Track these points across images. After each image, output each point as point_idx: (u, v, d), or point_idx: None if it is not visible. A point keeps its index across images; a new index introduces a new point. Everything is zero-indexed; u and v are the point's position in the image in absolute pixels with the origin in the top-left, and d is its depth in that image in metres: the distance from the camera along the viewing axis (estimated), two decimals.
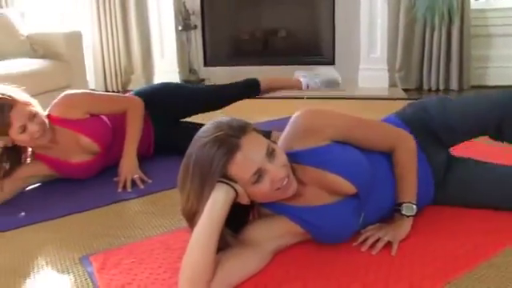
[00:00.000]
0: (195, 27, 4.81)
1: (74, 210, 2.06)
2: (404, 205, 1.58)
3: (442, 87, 4.38)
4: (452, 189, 1.74)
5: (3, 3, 4.82)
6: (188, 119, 2.75)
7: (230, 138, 1.31)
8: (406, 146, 1.63)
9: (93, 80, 5.10)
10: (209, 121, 1.42)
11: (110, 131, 2.37)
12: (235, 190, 1.34)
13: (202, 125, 2.60)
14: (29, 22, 4.63)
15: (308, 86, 3.23)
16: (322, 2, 4.70)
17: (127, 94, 2.64)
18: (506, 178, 1.71)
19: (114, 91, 4.97)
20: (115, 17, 4.95)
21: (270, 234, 1.49)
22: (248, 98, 2.98)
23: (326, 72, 3.35)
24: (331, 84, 3.33)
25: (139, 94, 2.57)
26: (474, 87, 4.38)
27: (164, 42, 4.91)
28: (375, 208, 1.59)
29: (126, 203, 2.12)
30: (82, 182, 2.34)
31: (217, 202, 1.32)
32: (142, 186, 2.24)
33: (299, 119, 1.55)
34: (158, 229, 1.83)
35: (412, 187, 1.60)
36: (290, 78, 3.28)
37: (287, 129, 1.57)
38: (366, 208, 1.56)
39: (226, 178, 1.34)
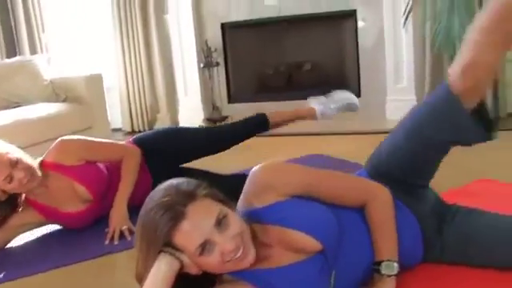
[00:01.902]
0: (217, 64, 4.76)
1: (57, 264, 1.99)
2: (383, 263, 1.41)
3: None
4: (451, 243, 1.55)
5: (38, 49, 4.99)
6: (190, 164, 2.64)
7: (176, 205, 1.21)
8: (380, 198, 1.47)
9: (119, 120, 5.14)
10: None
11: (105, 179, 2.30)
12: (180, 261, 1.23)
13: (203, 171, 2.55)
14: (55, 66, 4.72)
15: (322, 114, 2.95)
16: (345, 34, 4.56)
17: (126, 142, 2.56)
18: None
19: (140, 131, 4.96)
20: (139, 56, 4.97)
21: None
22: (255, 135, 2.78)
23: (341, 96, 3.06)
24: (349, 107, 3.08)
25: (139, 140, 2.50)
26: (511, 115, 4.12)
27: (187, 80, 4.90)
28: (350, 266, 1.43)
29: (111, 256, 2.03)
30: (71, 233, 2.28)
31: (158, 273, 1.21)
32: (129, 238, 2.14)
33: (257, 175, 1.42)
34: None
35: (390, 243, 1.44)
36: (301, 108, 3.01)
37: (246, 185, 1.44)
38: (338, 266, 1.40)
39: (172, 247, 1.22)
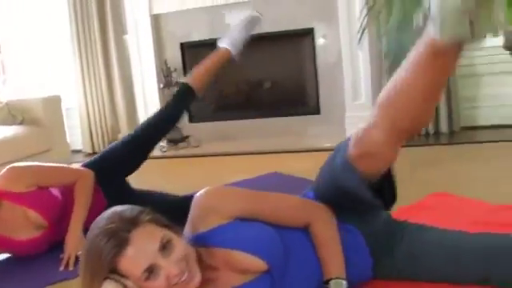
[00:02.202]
0: (177, 84, 4.75)
1: None
2: (331, 281, 1.42)
3: (431, 131, 4.24)
4: (401, 260, 1.57)
5: None
6: (144, 187, 2.62)
7: (120, 232, 1.22)
8: (322, 219, 1.49)
9: (80, 141, 5.08)
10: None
11: (59, 204, 2.26)
12: (126, 287, 1.22)
13: (158, 193, 2.54)
14: (11, 88, 4.65)
15: (235, 46, 2.90)
16: (304, 52, 4.62)
17: (77, 166, 2.53)
18: (464, 246, 1.53)
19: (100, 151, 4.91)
20: (99, 76, 4.95)
21: None
22: (188, 107, 2.80)
23: (240, 20, 2.99)
24: (252, 23, 3.00)
25: (87, 165, 2.48)
26: (464, 128, 4.24)
27: (148, 100, 4.87)
28: (298, 284, 1.44)
29: (67, 283, 1.99)
30: (25, 261, 2.22)
31: None
32: None
33: (200, 199, 1.44)
34: None
35: (337, 261, 1.45)
36: (215, 53, 2.93)
37: (190, 210, 1.46)
38: (286, 284, 1.41)
39: (117, 274, 1.22)
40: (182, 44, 4.82)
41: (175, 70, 4.74)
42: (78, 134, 5.08)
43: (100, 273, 1.21)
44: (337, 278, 1.42)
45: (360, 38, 3.25)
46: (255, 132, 4.62)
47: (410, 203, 2.24)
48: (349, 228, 1.54)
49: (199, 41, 4.76)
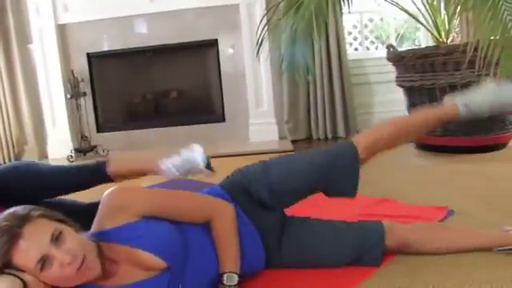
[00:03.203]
0: (84, 94, 4.78)
1: None
2: (225, 275, 1.57)
3: (330, 135, 4.55)
4: (288, 251, 1.77)
5: None
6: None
7: (12, 228, 1.31)
8: (223, 215, 1.64)
9: None
10: None
11: None
12: (22, 281, 1.32)
13: (66, 201, 2.55)
14: None
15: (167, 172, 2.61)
16: (209, 62, 4.81)
17: None
18: (341, 234, 1.76)
19: (5, 163, 4.82)
20: (2, 87, 4.86)
21: None
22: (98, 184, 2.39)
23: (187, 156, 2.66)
24: (192, 167, 2.67)
25: None
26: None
27: (55, 111, 4.86)
28: (198, 278, 1.58)
29: None
30: None
31: None
32: None
33: (108, 198, 1.54)
34: None
35: (232, 256, 1.60)
36: (142, 164, 2.46)
37: (99, 210, 1.56)
38: (186, 279, 1.55)
39: (12, 268, 1.32)
40: (88, 54, 4.86)
41: (82, 80, 4.76)
42: None
43: None
44: (230, 272, 1.57)
45: (258, 50, 3.48)
46: (163, 140, 4.74)
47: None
48: (247, 222, 1.71)
49: (106, 51, 4.82)
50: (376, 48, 5.04)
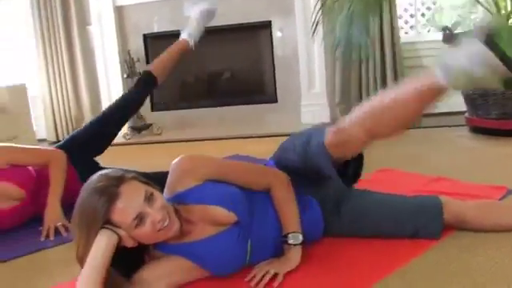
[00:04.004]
0: (140, 74, 4.91)
1: None
2: (289, 235, 1.68)
3: None
4: (347, 220, 1.84)
5: None
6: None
7: (110, 188, 1.44)
8: (279, 184, 1.75)
9: (44, 130, 5.18)
10: None
11: (34, 178, 2.44)
12: (118, 235, 1.45)
13: (127, 170, 2.72)
14: None
15: (193, 38, 3.08)
16: (262, 44, 4.87)
17: (50, 147, 2.71)
18: (401, 206, 1.81)
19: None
20: (63, 66, 5.06)
21: (160, 273, 1.57)
22: (150, 92, 3.06)
23: (196, 10, 3.12)
24: (209, 16, 3.14)
25: (60, 146, 2.66)
26: None
27: (111, 90, 5.03)
28: (263, 238, 1.69)
29: (46, 251, 2.17)
30: (5, 234, 2.39)
31: (99, 246, 1.42)
32: (64, 234, 2.30)
33: (177, 165, 1.68)
34: (70, 275, 1.88)
35: (293, 218, 1.71)
36: (175, 44, 3.12)
37: (169, 176, 1.70)
38: (253, 236, 1.66)
39: (110, 224, 1.44)
40: (144, 35, 4.99)
41: (138, 60, 4.90)
42: (43, 123, 5.18)
43: (95, 225, 1.43)
44: (294, 232, 1.68)
45: (313, 32, 3.52)
46: (215, 120, 4.85)
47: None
48: (304, 193, 1.80)
49: (161, 32, 4.94)
50: (428, 31, 4.98)
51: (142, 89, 2.97)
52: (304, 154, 1.77)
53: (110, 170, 1.53)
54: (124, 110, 2.92)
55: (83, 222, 1.45)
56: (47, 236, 2.29)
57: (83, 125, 2.95)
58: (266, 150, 3.60)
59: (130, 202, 1.44)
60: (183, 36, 3.07)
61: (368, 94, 4.53)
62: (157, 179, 1.76)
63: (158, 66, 3.00)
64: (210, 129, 4.74)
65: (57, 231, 2.31)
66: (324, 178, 1.79)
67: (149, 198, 1.48)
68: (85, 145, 2.71)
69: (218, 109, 4.90)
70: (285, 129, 4.39)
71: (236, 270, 1.65)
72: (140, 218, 1.45)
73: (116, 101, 2.97)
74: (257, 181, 1.76)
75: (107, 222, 1.44)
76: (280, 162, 1.88)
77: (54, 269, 1.98)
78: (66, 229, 2.32)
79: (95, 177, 1.50)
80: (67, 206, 2.42)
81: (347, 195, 1.89)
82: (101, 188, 1.44)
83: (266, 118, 4.81)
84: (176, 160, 1.69)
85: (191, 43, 3.06)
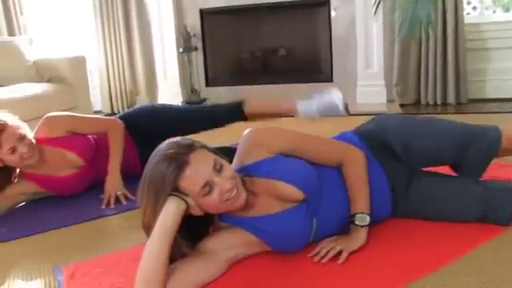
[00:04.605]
0: (196, 49, 4.95)
1: (58, 225, 2.17)
2: (357, 215, 1.64)
3: (439, 101, 4.41)
4: (415, 201, 1.78)
5: (16, 32, 5.09)
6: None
7: (179, 155, 1.42)
8: (354, 160, 1.70)
9: (99, 102, 5.27)
10: None
11: (93, 146, 2.49)
12: (186, 202, 1.43)
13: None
14: (37, 48, 4.82)
15: (304, 113, 2.68)
16: (319, 22, 4.79)
17: (110, 117, 2.74)
18: (471, 189, 1.74)
19: (119, 113, 5.10)
20: (120, 41, 5.12)
21: (225, 245, 1.56)
22: (232, 122, 2.70)
23: (325, 100, 2.72)
24: (331, 110, 2.69)
25: (122, 117, 2.68)
26: (471, 101, 4.40)
27: (167, 64, 5.07)
28: (329, 216, 1.65)
29: (107, 218, 2.22)
30: (68, 200, 2.45)
31: (168, 213, 1.41)
32: (124, 203, 2.33)
33: (248, 137, 1.65)
34: (132, 241, 1.92)
35: (363, 198, 1.66)
36: (281, 104, 2.78)
37: (239, 147, 1.67)
38: (319, 214, 1.63)
39: (178, 192, 1.43)
40: (201, 10, 4.99)
41: (194, 35, 4.91)
42: (98, 95, 5.27)
43: (164, 192, 1.42)
44: (362, 212, 1.64)
45: (376, 10, 3.42)
46: (269, 97, 4.81)
47: None
48: (378, 169, 1.75)
49: (218, 7, 4.92)
50: (494, 12, 4.79)
51: (228, 114, 2.68)
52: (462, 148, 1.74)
53: (179, 138, 1.50)
54: (202, 124, 2.69)
55: (151, 189, 1.43)
56: (108, 204, 2.33)
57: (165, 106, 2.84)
58: (319, 129, 3.57)
59: (199, 170, 1.42)
60: (299, 106, 2.68)
61: (427, 77, 4.41)
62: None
63: (253, 108, 2.67)
64: None
65: (117, 199, 2.35)
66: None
67: (218, 168, 1.46)
68: (147, 130, 2.62)
69: (273, 86, 4.86)
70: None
71: (299, 248, 1.63)
72: (208, 187, 1.43)
73: (198, 109, 2.77)
74: (331, 156, 1.71)
75: (175, 190, 1.43)
76: (369, 132, 1.82)
77: (117, 235, 2.02)
78: (126, 198, 2.36)
79: (165, 144, 1.48)
80: (124, 176, 2.47)
81: (417, 174, 1.82)
82: (171, 155, 1.42)
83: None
84: (247, 131, 1.66)
85: (299, 114, 2.67)
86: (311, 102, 2.69)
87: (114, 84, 5.22)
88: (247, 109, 2.65)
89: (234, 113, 2.66)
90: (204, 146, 1.50)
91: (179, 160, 1.41)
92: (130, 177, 2.53)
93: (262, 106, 2.73)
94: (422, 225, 1.78)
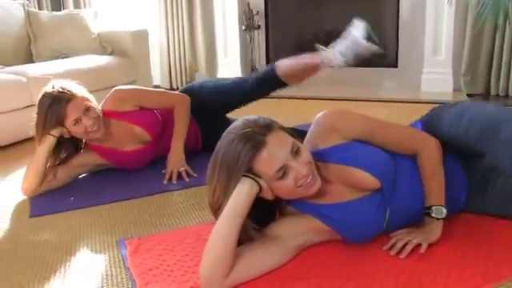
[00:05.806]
0: (259, 27, 4.87)
1: (120, 197, 2.17)
2: (433, 207, 1.55)
3: (511, 93, 4.20)
4: (493, 198, 1.67)
5: (82, 5, 5.15)
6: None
7: (257, 135, 1.35)
8: (430, 150, 1.60)
9: (158, 76, 5.29)
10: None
11: (160, 122, 2.47)
12: (259, 185, 1.37)
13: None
14: (101, 21, 4.86)
15: (330, 61, 2.58)
16: (386, 5, 4.62)
17: (175, 92, 2.72)
18: None
19: (178, 88, 5.11)
20: (182, 16, 5.10)
21: (293, 231, 1.50)
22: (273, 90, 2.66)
23: (350, 38, 2.62)
24: (356, 49, 2.57)
25: (186, 91, 2.64)
26: None
27: (228, 41, 5.02)
28: (401, 207, 1.57)
29: (169, 194, 2.19)
30: (130, 173, 2.44)
31: (240, 195, 1.35)
32: (186, 179, 2.31)
33: (323, 119, 1.57)
34: (194, 220, 1.89)
35: (440, 190, 1.57)
36: (307, 60, 2.67)
37: (311, 128, 1.59)
38: (392, 205, 1.55)
39: (252, 173, 1.37)
40: None
41: (257, 13, 4.83)
42: (158, 70, 5.28)
43: (237, 173, 1.36)
44: (438, 205, 1.55)
45: None
46: (332, 80, 4.70)
47: None
48: (453, 164, 1.65)
49: None
50: None
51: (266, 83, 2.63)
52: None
53: (257, 117, 1.42)
54: (250, 92, 2.65)
55: (223, 168, 1.37)
56: (170, 179, 2.31)
57: (225, 82, 2.76)
58: (380, 115, 3.46)
59: (276, 152, 1.36)
60: (323, 56, 2.60)
61: (499, 68, 4.19)
62: None
63: (287, 70, 2.60)
64: (324, 88, 4.61)
65: (179, 176, 2.33)
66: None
67: (295, 151, 1.39)
68: (210, 106, 2.63)
69: (334, 69, 4.74)
70: (403, 95, 4.20)
71: (370, 239, 1.55)
72: (284, 171, 1.37)
73: (251, 81, 2.66)
74: (406, 144, 1.62)
75: (249, 171, 1.36)
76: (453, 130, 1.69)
77: (179, 212, 1.99)
78: (188, 174, 2.34)
79: (240, 122, 1.41)
80: (186, 152, 2.44)
81: (495, 175, 1.67)
82: (247, 134, 1.35)
83: (385, 83, 4.62)
84: (321, 113, 1.58)
85: (326, 64, 2.59)
86: (338, 46, 2.61)
87: (174, 59, 5.22)
88: (279, 72, 2.56)
89: (270, 79, 2.58)
90: (282, 127, 1.43)
91: (256, 140, 1.35)
92: (192, 153, 2.52)
93: (291, 67, 2.62)
94: (498, 222, 1.67)
